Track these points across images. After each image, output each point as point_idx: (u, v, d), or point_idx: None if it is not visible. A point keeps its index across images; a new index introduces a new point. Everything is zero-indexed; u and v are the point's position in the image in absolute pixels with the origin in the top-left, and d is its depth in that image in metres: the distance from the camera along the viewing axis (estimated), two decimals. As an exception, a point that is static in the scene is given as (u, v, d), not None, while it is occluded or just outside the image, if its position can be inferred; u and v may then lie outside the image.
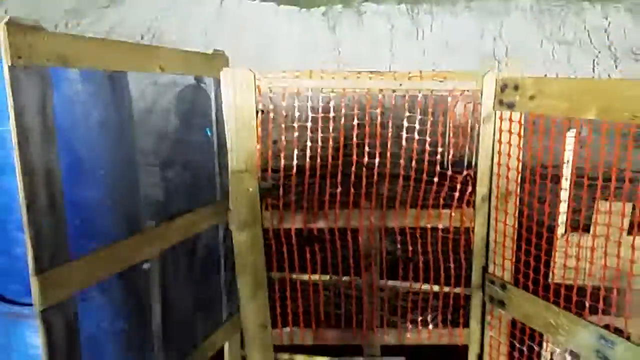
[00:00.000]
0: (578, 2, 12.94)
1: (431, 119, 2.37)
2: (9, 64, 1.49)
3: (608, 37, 12.45)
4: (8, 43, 1.48)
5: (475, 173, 2.45)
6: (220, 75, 2.30)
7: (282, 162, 2.38)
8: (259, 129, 2.31)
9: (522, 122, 2.28)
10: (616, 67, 11.64)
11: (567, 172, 2.23)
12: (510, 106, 2.27)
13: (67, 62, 1.71)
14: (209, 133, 2.33)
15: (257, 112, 2.29)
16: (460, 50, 12.14)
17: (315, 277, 2.68)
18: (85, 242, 1.94)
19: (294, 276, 2.63)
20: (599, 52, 11.98)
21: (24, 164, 1.55)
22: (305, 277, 2.63)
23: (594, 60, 11.71)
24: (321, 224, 2.51)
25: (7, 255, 2.14)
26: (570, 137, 2.22)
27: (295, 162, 2.39)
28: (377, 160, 2.38)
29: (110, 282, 2.00)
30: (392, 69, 12.95)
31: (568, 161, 2.15)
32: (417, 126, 2.36)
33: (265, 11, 13.31)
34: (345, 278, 2.73)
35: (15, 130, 1.54)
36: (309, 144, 2.36)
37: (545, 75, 11.27)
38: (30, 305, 1.66)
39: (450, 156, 2.44)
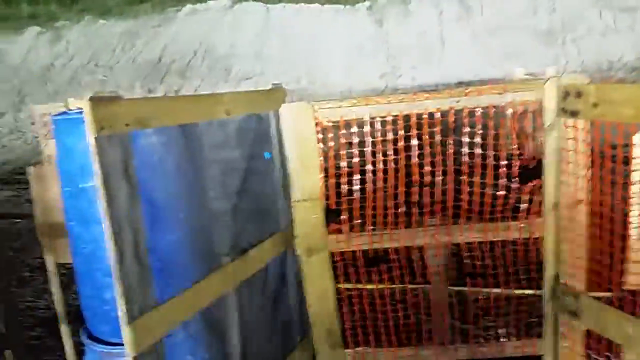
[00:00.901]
0: (638, -36, 12.19)
1: (492, 132, 2.35)
2: (95, 136, 1.62)
3: (674, -3, 11.67)
4: (91, 117, 1.61)
5: (542, 183, 2.41)
6: (280, 109, 2.38)
7: (345, 187, 2.44)
8: (321, 158, 2.38)
9: (588, 129, 2.23)
10: (686, 29, 10.89)
11: (636, 177, 2.16)
12: (574, 114, 2.22)
13: (145, 124, 1.84)
14: (267, 156, 2.43)
15: (317, 142, 2.36)
16: (513, 29, 11.74)
17: (384, 293, 2.73)
18: (169, 284, 2.07)
19: (363, 296, 2.69)
20: (666, 14, 11.26)
21: (111, 222, 1.69)
22: (374, 297, 2.68)
23: (660, 25, 11.01)
24: (387, 244, 2.56)
25: (97, 299, 2.32)
26: (638, 142, 2.15)
27: (357, 186, 2.44)
28: (439, 177, 2.39)
29: (193, 319, 2.13)
30: (443, 56, 12.70)
31: (638, 166, 2.09)
32: (478, 140, 2.35)
33: (310, 13, 13.40)
34: (414, 293, 2.76)
35: (102, 192, 1.68)
36: (369, 167, 2.40)
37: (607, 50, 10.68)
38: (121, 345, 1.80)
39: (515, 167, 2.41)
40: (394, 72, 12.60)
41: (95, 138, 1.64)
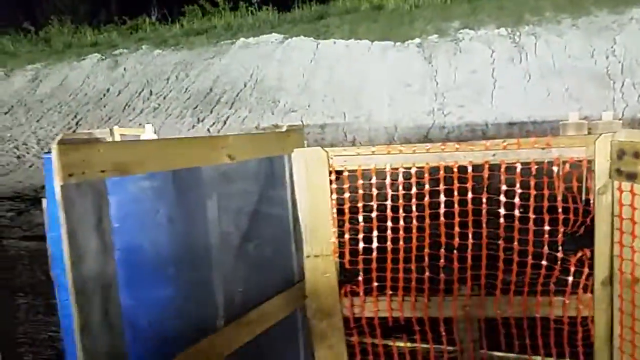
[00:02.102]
0: None
1: (534, 192, 2.01)
2: (61, 184, 1.41)
3: None
4: (59, 163, 1.40)
5: (592, 253, 2.03)
6: (293, 155, 2.13)
7: (361, 244, 2.13)
8: (335, 210, 2.10)
9: (649, 195, 1.86)
10: None
11: None
12: (631, 177, 1.86)
13: (126, 170, 1.62)
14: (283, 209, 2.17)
15: (331, 192, 2.08)
16: (568, 71, 11.18)
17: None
18: (155, 348, 1.82)
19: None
20: None
21: (75, 280, 1.46)
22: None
23: None
24: (408, 312, 2.21)
25: None
26: None
27: (375, 244, 2.14)
28: (471, 241, 2.05)
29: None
30: (495, 96, 12.23)
31: None
32: (517, 201, 2.01)
33: (359, 49, 13.28)
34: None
35: (67, 245, 1.46)
36: (389, 224, 2.09)
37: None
38: None
39: (560, 234, 2.05)
40: (442, 110, 12.24)
41: (62, 186, 1.43)
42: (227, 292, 2.00)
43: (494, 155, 2.01)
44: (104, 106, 13.26)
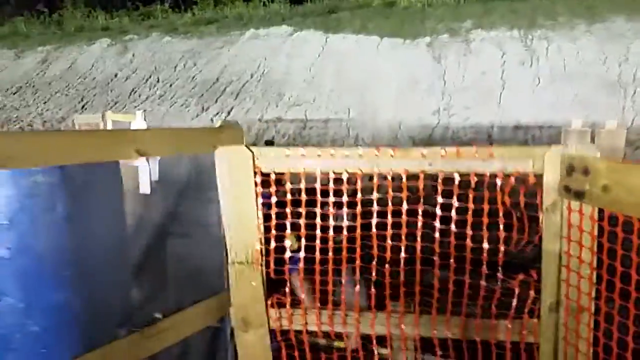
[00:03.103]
0: None
1: (472, 206, 1.81)
2: None
3: None
4: None
5: (540, 274, 1.83)
6: (216, 153, 1.94)
7: (288, 253, 1.95)
8: (260, 214, 1.92)
9: (596, 218, 1.64)
10: None
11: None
12: (580, 196, 1.65)
13: (8, 163, 1.46)
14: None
15: (256, 196, 1.90)
16: (579, 77, 10.80)
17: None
18: (50, 354, 1.67)
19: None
20: None
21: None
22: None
23: None
24: (339, 328, 2.03)
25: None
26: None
27: (302, 254, 1.96)
28: (403, 255, 1.85)
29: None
30: (502, 97, 11.90)
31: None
32: (454, 215, 1.81)
33: (368, 45, 13.03)
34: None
35: None
36: (318, 233, 1.91)
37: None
38: None
39: (501, 254, 1.84)
40: (448, 110, 11.96)
41: None
42: (131, 298, 1.83)
43: (430, 164, 1.81)
44: (111, 91, 13.22)
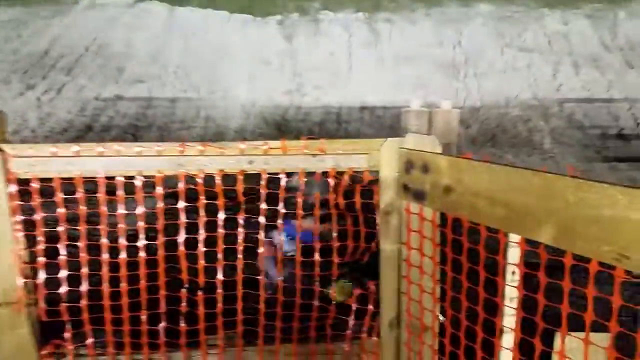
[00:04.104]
0: (538, 8, 12.20)
1: (302, 212, 1.47)
2: None
3: (568, 43, 11.74)
4: None
5: (378, 287, 1.56)
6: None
7: (65, 287, 1.44)
8: (20, 237, 1.37)
9: (438, 221, 1.39)
10: (577, 74, 10.94)
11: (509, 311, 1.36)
12: (420, 197, 1.39)
13: None
14: None
15: (10, 212, 1.35)
16: (419, 59, 11.27)
17: None
18: None
19: None
20: (560, 59, 11.26)
21: None
22: None
23: (554, 68, 10.97)
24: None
25: None
26: (514, 249, 1.35)
27: (85, 287, 1.45)
28: (221, 277, 1.45)
29: None
30: (350, 79, 12.01)
31: (511, 298, 1.29)
32: (280, 223, 1.45)
33: (217, 20, 12.28)
34: None
35: None
36: (105, 257, 1.42)
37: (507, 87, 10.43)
38: None
39: (336, 264, 1.55)
40: (299, 90, 11.78)
41: None
42: None
43: (250, 162, 1.42)
44: None
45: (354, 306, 1.57)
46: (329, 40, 12.34)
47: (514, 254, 1.34)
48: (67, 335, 1.46)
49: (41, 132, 10.31)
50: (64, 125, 10.44)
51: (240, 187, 1.42)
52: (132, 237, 1.43)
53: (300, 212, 1.41)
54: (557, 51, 11.71)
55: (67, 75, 11.32)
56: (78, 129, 10.35)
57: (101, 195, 1.40)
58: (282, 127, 10.93)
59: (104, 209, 1.43)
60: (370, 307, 1.58)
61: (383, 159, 1.44)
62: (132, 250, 1.44)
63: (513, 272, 1.30)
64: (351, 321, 1.56)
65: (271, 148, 1.43)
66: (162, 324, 1.47)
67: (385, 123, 10.31)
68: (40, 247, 1.41)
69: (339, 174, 1.45)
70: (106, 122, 10.25)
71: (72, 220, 1.42)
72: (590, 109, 9.75)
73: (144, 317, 1.48)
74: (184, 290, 1.47)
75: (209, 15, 12.47)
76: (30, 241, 1.40)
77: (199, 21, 12.34)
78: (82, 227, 1.40)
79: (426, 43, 11.51)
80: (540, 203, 1.05)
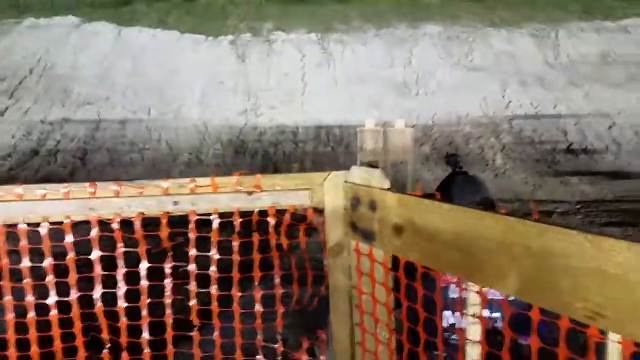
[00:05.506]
0: (484, 28, 12.49)
1: (239, 257, 1.29)
2: None
3: (515, 62, 12.07)
4: None
5: (328, 336, 1.39)
6: None
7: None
8: None
9: (389, 264, 1.24)
10: (525, 92, 11.22)
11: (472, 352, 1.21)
12: (369, 237, 1.23)
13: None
14: None
15: None
16: (371, 79, 11.29)
17: None
18: None
19: None
20: (507, 77, 11.54)
21: None
22: None
23: (502, 86, 11.23)
24: None
25: None
26: (473, 305, 1.22)
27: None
28: (146, 337, 1.24)
29: None
30: (304, 100, 11.92)
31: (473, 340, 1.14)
32: (213, 272, 1.26)
33: (167, 40, 11.97)
34: None
35: None
36: (10, 317, 1.20)
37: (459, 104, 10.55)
38: None
39: (279, 312, 1.37)
40: (254, 110, 11.60)
41: None
42: None
43: (176, 203, 1.22)
44: None
45: (304, 359, 1.39)
46: (283, 60, 12.25)
47: (474, 300, 1.20)
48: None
49: (-18, 157, 9.71)
50: (7, 150, 9.86)
51: (164, 232, 1.22)
52: (42, 293, 1.21)
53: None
54: (504, 70, 12.01)
55: (9, 98, 10.75)
56: (23, 153, 9.79)
57: (0, 245, 1.18)
58: (238, 148, 10.70)
59: (5, 261, 1.20)
60: (323, 358, 1.40)
61: (327, 194, 1.27)
62: (41, 310, 1.21)
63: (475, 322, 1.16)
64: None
65: (199, 186, 1.24)
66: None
67: (342, 142, 10.24)
68: None
69: (280, 213, 1.27)
70: (53, 145, 9.73)
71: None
72: (539, 125, 10.00)
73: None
74: (105, 352, 1.25)
75: (158, 36, 12.17)
76: None
77: (148, 41, 12.02)
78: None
79: (377, 63, 11.58)
80: (500, 249, 0.90)
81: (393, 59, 11.20)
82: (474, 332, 1.29)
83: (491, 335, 1.05)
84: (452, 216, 1.01)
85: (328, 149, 10.58)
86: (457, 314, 1.57)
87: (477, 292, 1.00)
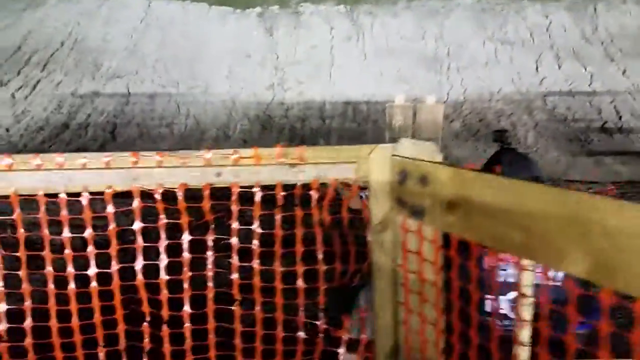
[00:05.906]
0: (519, 1, 12.06)
1: (281, 232, 1.25)
2: None
3: (550, 36, 11.63)
4: None
5: (373, 314, 1.36)
6: None
7: (2, 325, 1.19)
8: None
9: (440, 242, 1.18)
10: (559, 67, 10.83)
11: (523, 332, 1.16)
12: (418, 214, 1.17)
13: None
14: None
15: None
16: (401, 53, 11.04)
17: None
18: None
19: None
20: (542, 52, 11.14)
21: None
22: None
23: (536, 61, 10.86)
24: None
25: None
26: (527, 278, 1.15)
27: (29, 322, 1.22)
28: (187, 310, 1.22)
29: None
30: (332, 73, 11.75)
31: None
32: (257, 245, 1.23)
33: (196, 12, 11.92)
34: None
35: None
36: (51, 288, 1.19)
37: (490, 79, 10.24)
38: None
39: (323, 289, 1.33)
40: (282, 85, 11.49)
41: None
42: None
43: (218, 174, 1.18)
44: None
45: (345, 336, 1.35)
46: (311, 33, 12.06)
47: (527, 278, 1.14)
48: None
49: (16, 130, 9.89)
50: (40, 124, 10.02)
51: (206, 203, 1.18)
52: (82, 264, 1.20)
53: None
54: (538, 44, 11.59)
55: (41, 70, 10.88)
56: (54, 127, 9.94)
57: (42, 215, 1.16)
58: (265, 124, 10.65)
59: (46, 232, 1.18)
60: (364, 336, 1.36)
61: (373, 168, 1.21)
62: (81, 281, 1.20)
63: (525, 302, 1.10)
64: (342, 356, 1.34)
65: (242, 157, 1.19)
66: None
67: (369, 118, 10.09)
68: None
69: (322, 186, 1.22)
70: (83, 119, 9.86)
71: (9, 245, 1.18)
72: (573, 102, 9.65)
73: (101, 355, 1.24)
74: (145, 325, 1.24)
75: (187, 8, 12.10)
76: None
77: (177, 14, 11.96)
78: (22, 254, 1.16)
79: (408, 36, 11.30)
80: (570, 227, 0.83)
81: (424, 32, 10.92)
82: (525, 312, 1.24)
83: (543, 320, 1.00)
84: (514, 191, 0.94)
85: (354, 125, 10.44)
86: (506, 298, 1.51)
87: (542, 273, 0.94)
